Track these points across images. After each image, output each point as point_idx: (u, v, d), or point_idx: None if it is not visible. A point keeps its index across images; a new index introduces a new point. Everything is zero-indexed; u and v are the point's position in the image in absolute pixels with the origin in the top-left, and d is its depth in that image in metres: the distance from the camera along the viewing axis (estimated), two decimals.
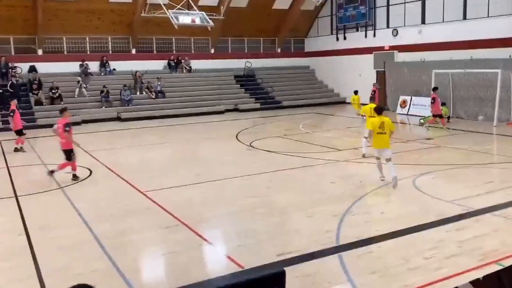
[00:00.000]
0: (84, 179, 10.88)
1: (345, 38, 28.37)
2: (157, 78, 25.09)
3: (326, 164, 11.87)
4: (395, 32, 24.59)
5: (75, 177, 10.77)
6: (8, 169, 12.30)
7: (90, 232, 7.29)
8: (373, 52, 25.97)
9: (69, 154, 10.80)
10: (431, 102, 17.19)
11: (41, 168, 12.47)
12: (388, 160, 9.45)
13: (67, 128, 10.77)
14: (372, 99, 16.43)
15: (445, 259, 5.92)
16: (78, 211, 8.35)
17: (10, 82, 21.69)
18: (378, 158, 9.87)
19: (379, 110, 9.84)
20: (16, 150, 14.74)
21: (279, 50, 31.07)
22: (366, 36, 26.67)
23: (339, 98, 28.52)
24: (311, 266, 5.92)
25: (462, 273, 5.46)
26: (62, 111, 11.57)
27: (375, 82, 23.02)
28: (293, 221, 7.74)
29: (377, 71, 25.83)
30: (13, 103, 15.29)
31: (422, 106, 21.32)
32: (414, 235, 6.88)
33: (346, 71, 27.89)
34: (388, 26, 25.19)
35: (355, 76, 26.85)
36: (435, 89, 17.77)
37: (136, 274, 5.92)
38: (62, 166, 10.87)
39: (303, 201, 8.73)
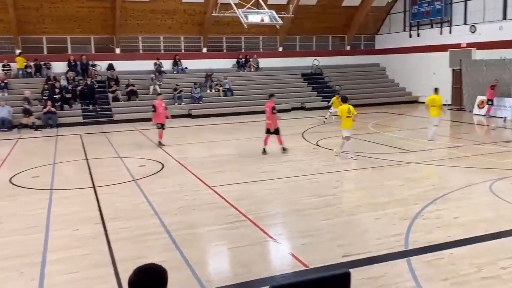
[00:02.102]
0: (156, 173, 11.35)
1: (418, 35, 27.31)
2: (224, 76, 25.57)
3: (395, 166, 11.51)
4: (473, 29, 23.29)
5: (284, 149, 13.20)
6: (87, 161, 13.11)
7: (161, 223, 7.60)
8: (449, 50, 24.78)
9: (278, 131, 13.08)
10: None
11: (116, 160, 13.18)
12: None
13: (274, 111, 12.92)
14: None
15: None
16: (150, 203, 8.74)
17: (90, 80, 23.05)
18: (347, 138, 12.23)
19: (344, 99, 12.86)
20: (159, 144, 14.92)
21: (348, 48, 30.53)
22: (441, 33, 25.51)
23: (410, 97, 27.52)
24: (378, 269, 5.78)
25: None
26: (271, 96, 13.64)
27: None
28: (360, 223, 7.58)
29: (452, 70, 24.63)
30: (159, 98, 15.64)
31: (502, 107, 20.04)
32: (489, 242, 6.51)
33: (419, 69, 26.84)
34: (465, 22, 23.92)
35: (428, 74, 25.77)
36: None
37: (202, 267, 6.09)
38: (279, 141, 13.22)
39: (371, 202, 8.53)
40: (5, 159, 13.77)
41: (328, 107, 20.75)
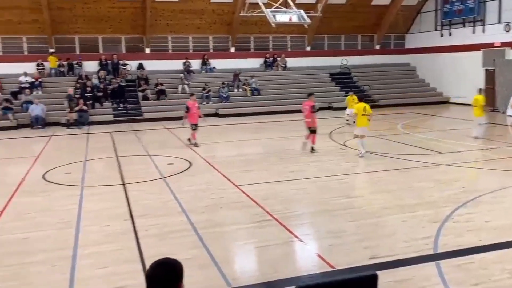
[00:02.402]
0: (183, 171, 11.48)
1: (450, 34, 26.71)
2: (251, 76, 25.63)
3: (425, 167, 11.30)
4: (508, 28, 22.61)
5: (313, 149, 13.20)
6: (117, 158, 13.37)
7: (188, 221, 7.69)
8: (482, 49, 24.14)
9: (315, 130, 13.22)
10: None
11: (146, 158, 13.39)
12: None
13: (314, 110, 13.13)
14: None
15: None
16: (178, 201, 8.85)
17: (120, 79, 23.47)
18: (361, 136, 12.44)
19: (361, 98, 13.39)
20: (195, 145, 14.80)
21: (377, 47, 30.13)
22: (474, 32, 24.88)
23: (442, 98, 26.95)
24: (405, 272, 5.70)
25: None
26: (309, 95, 13.77)
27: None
28: (388, 225, 7.49)
29: (485, 70, 23.99)
30: (192, 99, 15.56)
31: None
32: None
33: (450, 69, 26.25)
34: (499, 21, 23.23)
35: (460, 74, 25.19)
36: None
37: (229, 265, 6.13)
38: (312, 140, 13.28)
39: (399, 204, 8.41)
40: (39, 155, 14.18)
41: (344, 108, 20.28)
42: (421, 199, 8.69)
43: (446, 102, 26.46)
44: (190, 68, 25.83)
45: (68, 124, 20.47)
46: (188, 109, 14.95)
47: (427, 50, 28.35)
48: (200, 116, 15.23)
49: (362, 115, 12.58)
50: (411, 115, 22.11)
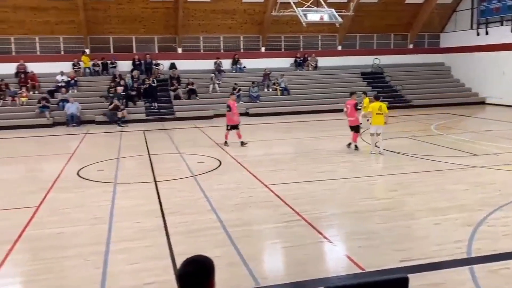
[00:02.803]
0: (213, 170, 11.58)
1: (487, 33, 25.95)
2: (281, 75, 25.60)
3: (459, 169, 11.02)
4: None
5: (356, 147, 13.54)
6: (149, 156, 13.60)
7: (217, 219, 7.75)
8: None
9: (357, 128, 13.55)
10: None
11: (177, 156, 13.57)
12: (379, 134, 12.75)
13: (359, 107, 13.51)
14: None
15: None
16: (207, 199, 8.94)
17: (152, 79, 23.83)
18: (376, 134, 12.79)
19: (377, 97, 13.20)
20: (242, 144, 14.67)
21: (411, 46, 29.58)
22: None
23: (477, 98, 26.23)
24: (438, 276, 5.58)
25: None
26: (351, 94, 14.08)
27: None
28: (419, 227, 7.34)
29: None
30: (232, 98, 15.27)
31: None
32: None
33: (487, 69, 25.51)
34: None
35: (497, 74, 24.43)
36: None
37: (257, 263, 6.14)
38: (354, 139, 13.60)
39: (432, 207, 8.23)
40: (74, 153, 14.58)
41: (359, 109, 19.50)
42: (454, 202, 8.48)
43: (481, 102, 25.75)
44: (221, 68, 26.02)
45: (120, 122, 20.90)
46: (230, 108, 14.63)
47: (462, 50, 27.64)
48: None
49: (377, 114, 12.75)
50: (445, 116, 21.61)
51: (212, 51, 26.60)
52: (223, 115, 22.38)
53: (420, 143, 14.72)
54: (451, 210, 7.95)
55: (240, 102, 24.04)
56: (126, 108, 22.34)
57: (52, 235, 7.27)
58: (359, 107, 13.48)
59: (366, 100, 18.09)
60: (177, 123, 21.42)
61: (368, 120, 18.17)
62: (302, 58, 27.51)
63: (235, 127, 14.78)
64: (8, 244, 6.80)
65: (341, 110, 23.39)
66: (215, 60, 25.97)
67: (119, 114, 21.09)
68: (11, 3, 22.76)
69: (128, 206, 8.69)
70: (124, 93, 22.67)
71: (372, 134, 13.10)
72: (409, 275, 2.96)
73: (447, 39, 29.37)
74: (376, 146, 13.23)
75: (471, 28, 27.15)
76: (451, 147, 13.76)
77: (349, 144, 13.79)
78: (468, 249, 6.29)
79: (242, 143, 14.69)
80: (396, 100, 25.60)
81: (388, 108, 24.37)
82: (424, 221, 7.56)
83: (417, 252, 6.28)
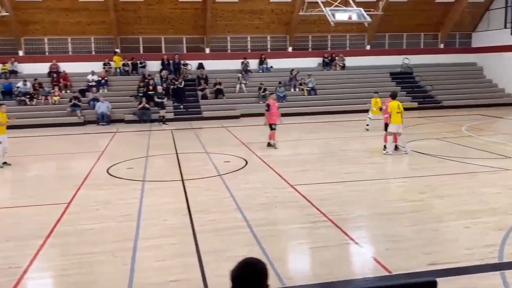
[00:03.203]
0: (240, 169, 11.63)
1: None
2: (308, 75, 25.48)
3: (491, 172, 10.74)
4: None
5: (396, 148, 13.38)
6: (177, 155, 13.76)
7: (243, 218, 7.79)
8: None
9: (386, 126, 13.43)
10: None
11: (204, 155, 13.69)
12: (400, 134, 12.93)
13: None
14: None
15: None
16: (233, 198, 8.98)
17: (181, 79, 24.09)
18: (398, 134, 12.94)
19: (393, 96, 13.28)
20: (273, 145, 14.50)
21: (441, 46, 28.99)
22: None
23: (510, 99, 25.53)
24: (467, 281, 5.45)
25: None
26: (392, 94, 13.77)
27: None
28: (449, 230, 7.19)
29: None
30: (272, 98, 15.12)
31: None
32: None
33: None
34: None
35: None
36: None
37: (283, 264, 6.14)
38: (386, 139, 13.47)
39: (462, 210, 8.05)
40: (104, 151, 14.89)
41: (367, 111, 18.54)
42: (485, 205, 8.27)
43: None
44: (248, 68, 26.10)
45: (164, 120, 21.21)
46: (268, 108, 14.38)
47: (495, 49, 26.91)
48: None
49: (397, 112, 12.81)
50: (476, 117, 21.09)
51: (239, 51, 26.70)
52: (249, 115, 22.63)
53: (450, 145, 14.41)
54: (482, 214, 7.76)
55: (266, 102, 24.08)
56: (155, 107, 22.65)
57: (82, 231, 7.44)
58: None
59: (375, 100, 17.70)
60: (204, 122, 21.60)
61: (368, 126, 17.50)
62: (329, 58, 27.33)
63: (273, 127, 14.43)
64: (40, 239, 7.01)
65: (367, 111, 23.29)
66: (242, 60, 26.08)
67: (161, 113, 21.39)
68: (44, 5, 23.42)
69: (156, 204, 8.81)
70: (153, 92, 22.97)
71: (390, 134, 13.11)
72: (437, 279, 2.91)
73: (480, 39, 28.65)
74: (401, 146, 13.27)
75: (505, 27, 26.39)
76: (483, 149, 13.42)
77: (385, 146, 13.42)
78: (499, 254, 6.12)
79: (269, 144, 14.52)
80: (426, 101, 25.14)
81: (418, 109, 24.11)
82: (453, 224, 7.40)
83: (446, 255, 6.15)
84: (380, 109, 13.72)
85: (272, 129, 14.50)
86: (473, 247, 6.39)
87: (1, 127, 12.62)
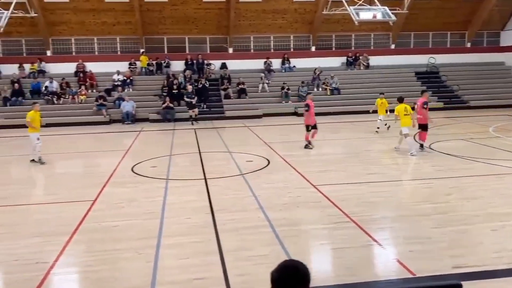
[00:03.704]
0: (262, 168, 11.63)
1: None
2: (331, 76, 25.28)
3: None
4: None
5: (421, 147, 13.35)
6: (200, 154, 13.86)
7: (265, 218, 7.79)
8: None
9: (425, 127, 13.31)
10: None
11: (226, 155, 13.74)
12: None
13: (425, 106, 13.21)
14: None
15: None
16: (256, 197, 8.99)
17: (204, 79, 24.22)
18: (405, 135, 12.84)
19: (400, 100, 13.54)
20: (309, 144, 14.30)
21: (468, 45, 28.39)
22: None
23: None
24: (495, 285, 5.34)
25: None
26: (423, 92, 14.06)
27: None
28: (475, 233, 7.04)
29: None
30: (309, 98, 14.91)
31: None
32: None
33: None
34: None
35: None
36: None
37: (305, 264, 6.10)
38: (422, 137, 13.44)
39: (489, 212, 7.87)
40: (128, 149, 15.11)
41: (375, 111, 18.08)
42: None
43: None
44: (271, 67, 26.08)
45: (193, 119, 21.41)
46: (308, 108, 14.14)
47: None
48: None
49: (405, 115, 13.07)
50: (504, 117, 20.58)
51: (262, 50, 26.72)
52: (272, 115, 22.62)
53: (477, 146, 14.11)
54: (510, 217, 7.56)
55: (290, 102, 24.04)
56: (179, 107, 22.85)
57: (107, 228, 7.57)
58: (425, 106, 13.21)
59: (379, 101, 17.57)
60: (227, 122, 21.69)
61: (378, 129, 17.26)
62: (353, 57, 27.09)
63: (314, 127, 14.29)
64: (66, 235, 7.16)
65: (392, 111, 22.94)
66: (265, 60, 26.08)
67: (191, 113, 21.60)
68: (71, 6, 23.91)
69: (179, 202, 8.90)
70: (176, 91, 23.17)
71: (406, 135, 13.01)
72: (463, 282, 2.85)
73: (508, 37, 27.95)
74: (398, 145, 13.57)
75: None
76: (511, 150, 13.09)
77: (421, 145, 13.45)
78: None
79: (307, 146, 14.23)
80: (452, 101, 24.68)
81: (444, 109, 23.68)
82: (481, 227, 7.24)
83: (472, 258, 6.02)
84: (413, 108, 13.42)
85: (308, 130, 14.24)
86: (501, 250, 6.24)
87: (36, 126, 12.95)
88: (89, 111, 22.37)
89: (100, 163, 13.71)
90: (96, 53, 25.74)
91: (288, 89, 24.15)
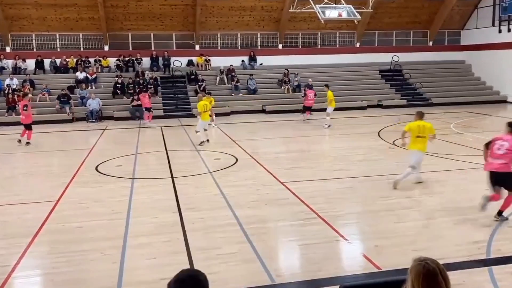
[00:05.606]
0: (230, 166, 11.61)
1: (509, 30, 25.47)
2: (294, 74, 25.40)
3: (480, 169, 10.81)
4: None
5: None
6: (166, 152, 13.70)
7: (233, 216, 7.78)
8: None
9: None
10: None
11: (193, 153, 13.63)
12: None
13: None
14: None
15: None
16: (223, 195, 8.97)
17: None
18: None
19: (420, 115, 9.94)
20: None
21: (430, 44, 29.16)
22: None
23: (498, 97, 25.77)
24: (456, 277, 5.49)
25: None
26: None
27: None
28: (438, 227, 7.25)
29: None
30: (311, 91, 15.38)
31: None
32: None
33: (509, 67, 25.01)
34: None
35: None
36: None
37: (273, 261, 6.14)
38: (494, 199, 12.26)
39: (451, 207, 8.13)
40: (93, 148, 14.77)
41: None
42: (475, 202, 8.31)
43: (503, 101, 25.28)
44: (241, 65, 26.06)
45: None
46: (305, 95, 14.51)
47: (483, 47, 27.15)
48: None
49: (417, 136, 9.55)
50: (465, 114, 21.27)
51: (229, 48, 26.62)
52: (240, 112, 22.59)
53: (439, 142, 14.50)
54: (472, 211, 7.81)
55: (240, 94, 24.11)
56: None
57: (71, 229, 7.38)
58: None
59: (330, 93, 18.12)
60: (194, 119, 21.48)
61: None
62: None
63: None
64: (29, 237, 6.94)
65: (360, 108, 23.36)
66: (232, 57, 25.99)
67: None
68: (32, 0, 23.12)
69: (145, 202, 8.77)
70: (144, 89, 22.79)
71: (414, 167, 9.49)
72: None
73: (468, 37, 28.88)
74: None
75: (493, 25, 26.63)
76: (472, 146, 13.54)
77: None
78: (487, 250, 6.19)
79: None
80: (414, 98, 25.29)
81: (407, 106, 24.17)
82: (442, 221, 7.47)
83: (435, 252, 6.19)
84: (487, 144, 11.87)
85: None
86: (461, 243, 6.46)
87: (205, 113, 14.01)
88: (51, 109, 21.71)
89: (63, 163, 13.34)
90: (58, 49, 25.01)
91: (237, 81, 24.20)
